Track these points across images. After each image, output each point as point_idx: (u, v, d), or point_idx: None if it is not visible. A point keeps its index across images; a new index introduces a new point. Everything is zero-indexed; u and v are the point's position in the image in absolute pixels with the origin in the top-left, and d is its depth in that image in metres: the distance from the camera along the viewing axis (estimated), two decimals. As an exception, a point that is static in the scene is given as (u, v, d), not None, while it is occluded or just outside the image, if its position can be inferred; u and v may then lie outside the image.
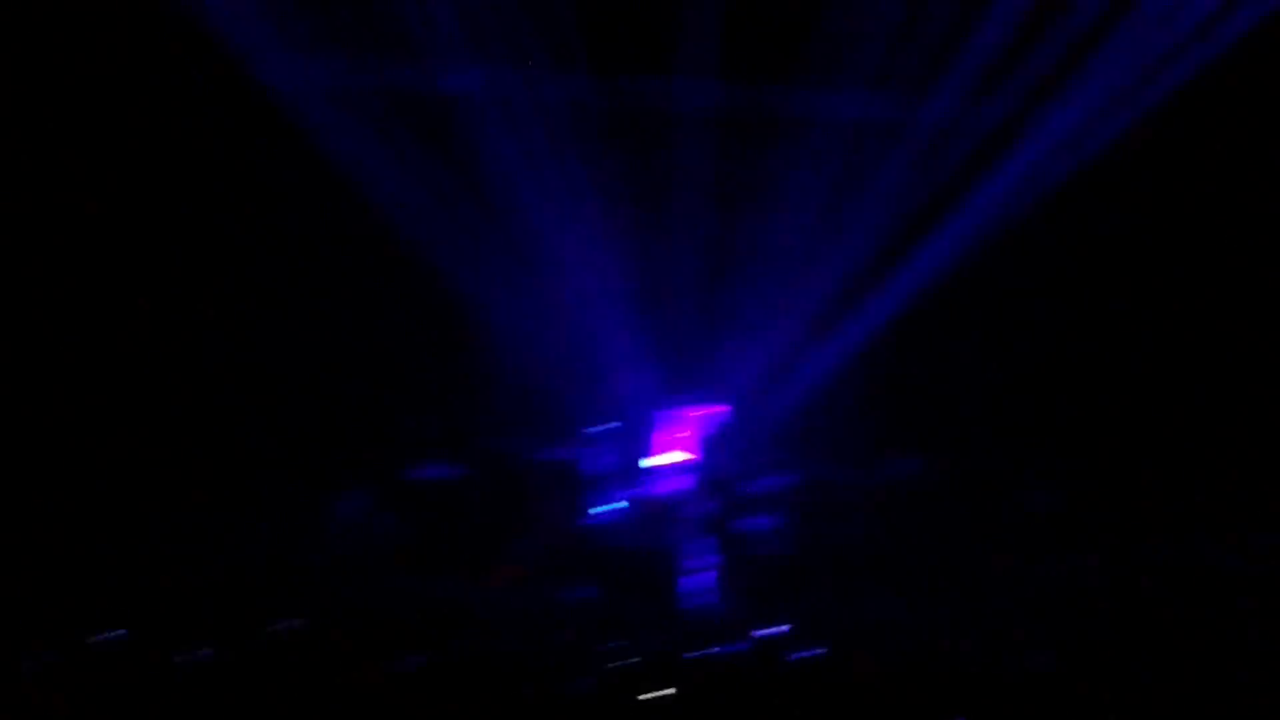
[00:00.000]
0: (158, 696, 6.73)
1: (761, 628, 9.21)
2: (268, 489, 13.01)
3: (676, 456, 13.86)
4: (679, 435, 13.97)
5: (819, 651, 8.20)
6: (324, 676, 7.49)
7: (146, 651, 7.53)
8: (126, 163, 13.44)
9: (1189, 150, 13.81)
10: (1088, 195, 13.93)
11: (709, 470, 12.81)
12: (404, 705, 7.10)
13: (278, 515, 12.61)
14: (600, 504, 13.27)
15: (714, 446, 12.99)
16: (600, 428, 13.69)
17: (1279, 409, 13.36)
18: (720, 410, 13.92)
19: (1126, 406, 13.83)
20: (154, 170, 13.51)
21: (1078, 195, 13.90)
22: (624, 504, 13.31)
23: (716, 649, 8.79)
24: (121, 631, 7.70)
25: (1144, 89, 13.62)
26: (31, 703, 6.55)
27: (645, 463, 13.83)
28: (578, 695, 7.24)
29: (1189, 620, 9.82)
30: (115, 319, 13.42)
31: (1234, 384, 13.61)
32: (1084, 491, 13.10)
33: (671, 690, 7.13)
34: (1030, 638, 9.39)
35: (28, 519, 11.52)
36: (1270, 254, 13.79)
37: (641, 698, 7.11)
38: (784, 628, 8.69)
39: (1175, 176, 13.95)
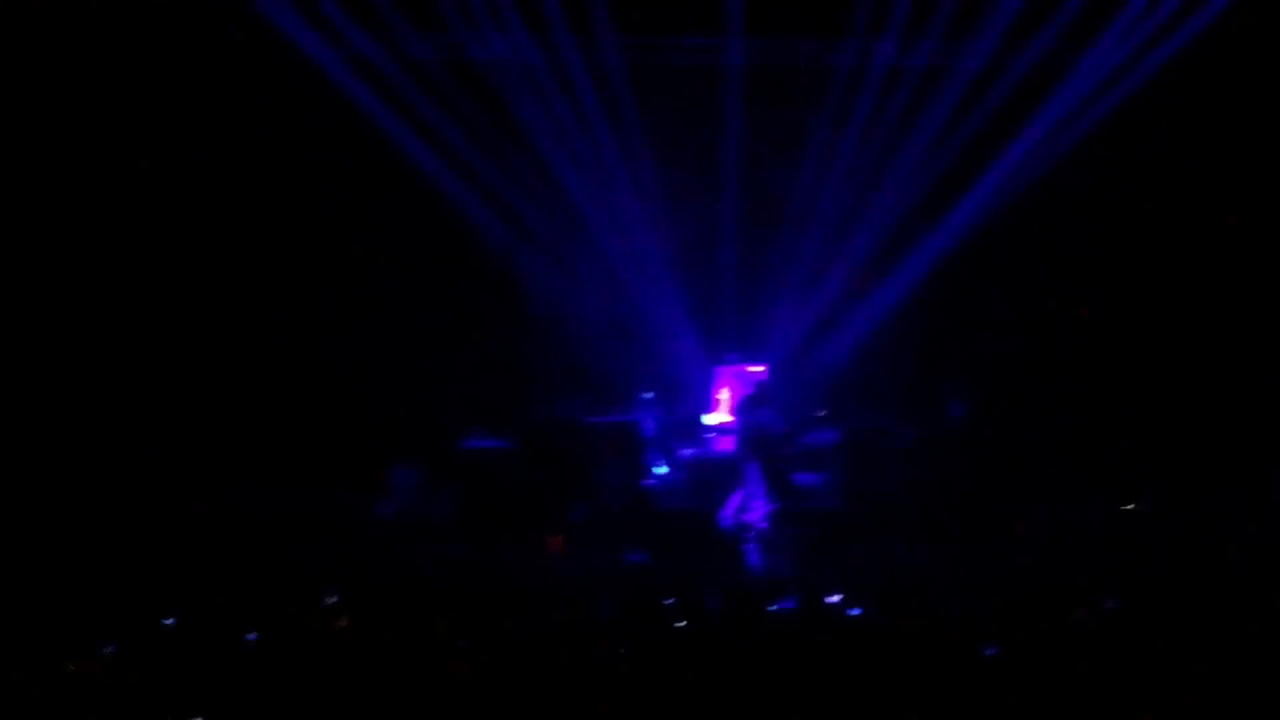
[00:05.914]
0: (213, 678, 6.88)
1: (811, 585, 9.24)
2: (326, 463, 13.23)
3: (721, 417, 13.95)
4: (722, 396, 14.06)
5: (864, 610, 8.24)
6: (380, 652, 7.61)
7: (202, 633, 7.67)
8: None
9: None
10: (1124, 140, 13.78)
11: (751, 430, 12.83)
12: (459, 676, 7.18)
13: (336, 488, 12.80)
14: (653, 467, 13.41)
15: (753, 406, 13.01)
16: (648, 392, 13.82)
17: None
18: (758, 370, 13.98)
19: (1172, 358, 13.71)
20: (207, 151, 13.79)
21: (1112, 141, 13.75)
22: (666, 468, 13.45)
23: (770, 607, 8.84)
24: (170, 619, 7.84)
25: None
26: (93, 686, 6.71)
27: (705, 419, 13.96)
28: (631, 659, 7.30)
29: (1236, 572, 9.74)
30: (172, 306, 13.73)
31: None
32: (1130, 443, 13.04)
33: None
34: (1077, 586, 9.34)
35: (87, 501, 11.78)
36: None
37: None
38: (836, 596, 8.72)
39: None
